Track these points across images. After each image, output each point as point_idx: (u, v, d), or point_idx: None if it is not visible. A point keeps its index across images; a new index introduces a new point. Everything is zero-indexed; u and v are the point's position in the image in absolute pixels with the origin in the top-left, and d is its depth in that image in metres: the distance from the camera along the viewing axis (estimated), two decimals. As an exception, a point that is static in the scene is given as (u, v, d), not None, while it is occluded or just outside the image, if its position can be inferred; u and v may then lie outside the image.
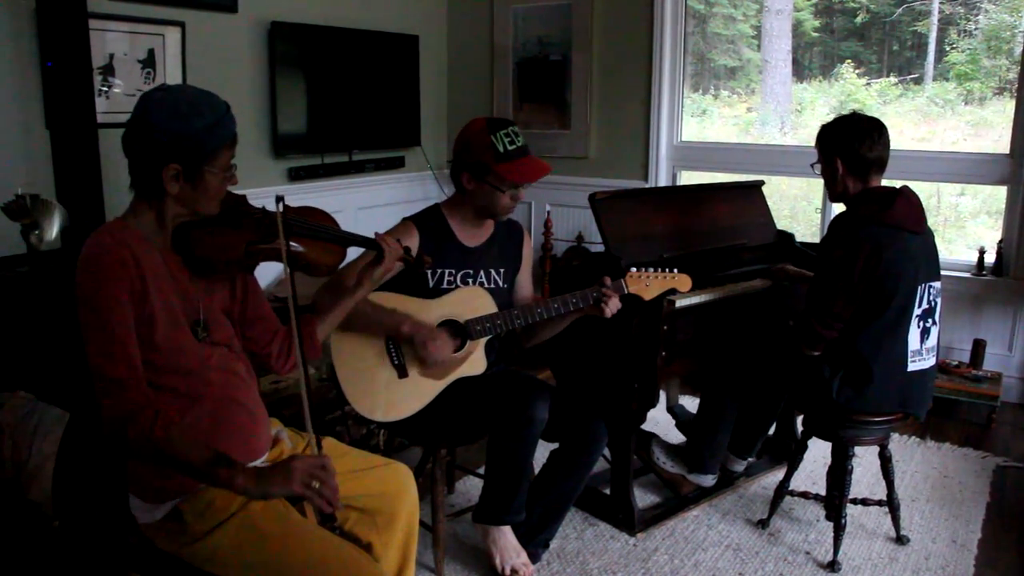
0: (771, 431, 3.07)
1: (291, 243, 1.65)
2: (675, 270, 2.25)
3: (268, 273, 3.56)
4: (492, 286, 2.31)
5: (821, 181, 2.49)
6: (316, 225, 1.75)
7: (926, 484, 2.99)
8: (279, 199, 1.63)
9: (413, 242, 2.19)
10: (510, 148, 2.16)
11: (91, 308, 1.47)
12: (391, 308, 2.13)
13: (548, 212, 4.65)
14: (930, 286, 2.36)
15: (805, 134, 4.61)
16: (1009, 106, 3.81)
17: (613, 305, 2.18)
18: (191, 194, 1.54)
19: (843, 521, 2.43)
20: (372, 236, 1.87)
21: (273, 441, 1.76)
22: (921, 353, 2.37)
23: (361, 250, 1.94)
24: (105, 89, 3.24)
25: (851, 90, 4.69)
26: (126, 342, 1.47)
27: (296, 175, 4.03)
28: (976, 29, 4.36)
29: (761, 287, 2.74)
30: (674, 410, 3.19)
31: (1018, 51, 3.88)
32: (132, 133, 1.51)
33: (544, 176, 2.23)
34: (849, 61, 4.72)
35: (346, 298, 1.87)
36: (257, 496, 1.46)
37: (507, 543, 2.26)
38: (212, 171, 1.53)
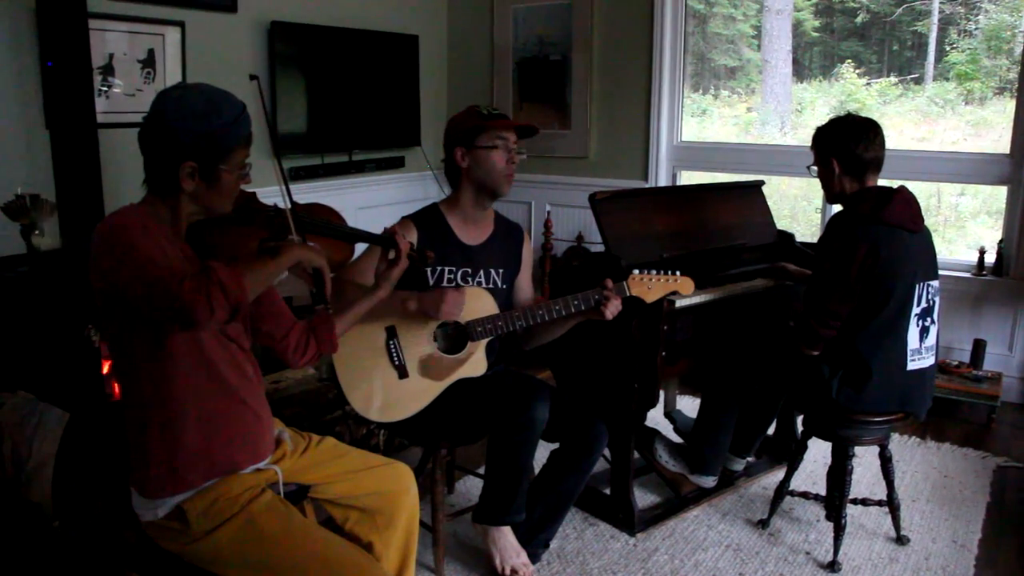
0: (771, 431, 3.07)
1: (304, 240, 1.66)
2: (677, 273, 2.24)
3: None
4: (491, 286, 2.31)
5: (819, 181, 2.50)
6: (326, 222, 1.76)
7: (926, 484, 2.99)
8: (253, 77, 1.65)
9: (413, 240, 2.19)
10: (494, 111, 2.25)
11: (123, 254, 1.43)
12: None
13: (548, 212, 4.65)
14: (928, 285, 2.36)
15: (805, 134, 4.59)
16: (1009, 106, 3.81)
17: (613, 307, 2.18)
18: (206, 192, 1.55)
19: (843, 521, 2.43)
20: (380, 233, 1.87)
21: (276, 442, 1.76)
22: (920, 352, 2.37)
23: (363, 247, 1.94)
24: (105, 89, 3.25)
25: (851, 90, 4.69)
26: (168, 259, 1.45)
27: (296, 175, 4.03)
28: (976, 29, 4.36)
29: (761, 287, 2.75)
30: (671, 415, 3.18)
31: (1018, 51, 3.88)
32: (149, 130, 1.52)
33: (534, 131, 2.30)
34: (849, 61, 4.72)
35: (364, 300, 1.87)
36: (306, 256, 1.58)
37: (507, 543, 2.26)
38: (227, 170, 1.54)
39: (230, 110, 1.53)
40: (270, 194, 1.71)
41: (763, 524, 2.66)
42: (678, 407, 3.30)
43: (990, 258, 3.78)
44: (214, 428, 1.59)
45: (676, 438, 3.08)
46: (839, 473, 2.45)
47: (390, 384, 2.16)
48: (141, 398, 1.55)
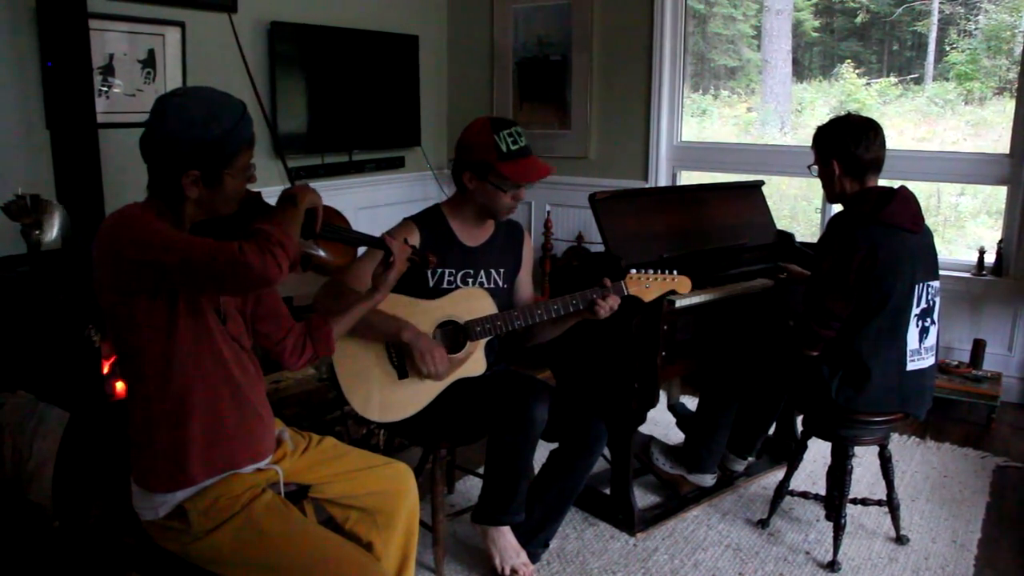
0: (771, 431, 3.07)
1: (308, 243, 1.66)
2: (675, 272, 2.25)
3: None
4: (492, 286, 2.31)
5: (820, 181, 2.50)
6: (332, 226, 1.76)
7: (926, 484, 2.99)
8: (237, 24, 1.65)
9: (414, 242, 2.19)
10: (513, 148, 2.16)
11: (151, 236, 1.43)
12: (391, 314, 2.13)
13: (548, 212, 4.65)
14: (928, 285, 2.36)
15: (805, 134, 4.60)
16: (1009, 106, 3.81)
17: (611, 305, 2.19)
18: (210, 197, 1.54)
19: (843, 521, 2.43)
20: (381, 236, 1.88)
21: (276, 442, 1.76)
22: (920, 352, 2.37)
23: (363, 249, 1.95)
24: (105, 89, 3.24)
25: (851, 90, 4.69)
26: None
27: (296, 175, 4.02)
28: (976, 29, 4.36)
29: (761, 287, 2.75)
30: (675, 407, 3.20)
31: (1018, 51, 3.88)
32: (149, 140, 1.51)
33: (545, 177, 2.23)
34: (849, 61, 4.72)
35: (362, 303, 1.88)
36: (313, 197, 1.62)
37: (507, 543, 2.26)
38: (232, 174, 1.54)
39: (230, 115, 1.52)
40: (272, 195, 1.71)
41: (763, 524, 2.66)
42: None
43: (990, 258, 3.78)
44: (218, 424, 1.59)
45: (677, 434, 3.09)
46: (839, 473, 2.46)
47: (389, 384, 2.16)
48: (148, 394, 1.55)
